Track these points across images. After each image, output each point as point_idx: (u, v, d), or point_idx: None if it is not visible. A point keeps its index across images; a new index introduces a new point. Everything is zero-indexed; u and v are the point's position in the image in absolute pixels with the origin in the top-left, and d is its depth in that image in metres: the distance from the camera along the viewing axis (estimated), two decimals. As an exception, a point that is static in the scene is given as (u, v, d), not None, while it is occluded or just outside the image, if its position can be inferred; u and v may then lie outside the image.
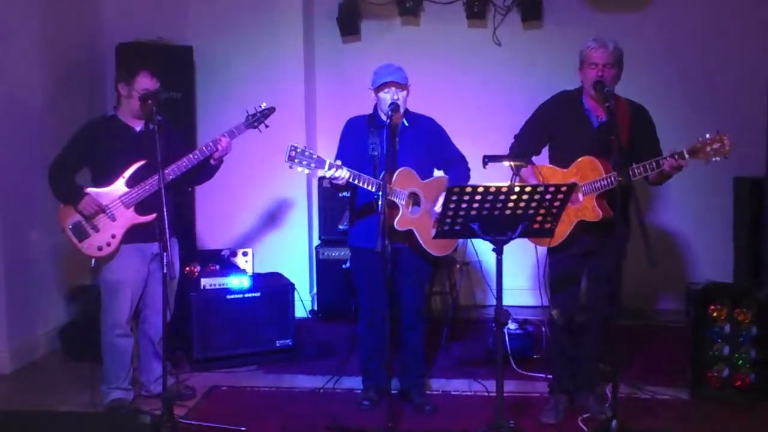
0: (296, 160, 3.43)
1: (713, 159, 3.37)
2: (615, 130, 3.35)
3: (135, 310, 3.96)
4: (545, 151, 3.86)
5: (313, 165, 3.46)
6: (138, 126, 3.85)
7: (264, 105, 3.93)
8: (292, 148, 3.43)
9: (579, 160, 3.60)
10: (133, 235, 3.79)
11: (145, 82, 3.75)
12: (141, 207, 3.77)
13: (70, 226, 3.73)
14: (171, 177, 3.73)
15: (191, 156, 3.78)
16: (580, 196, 3.58)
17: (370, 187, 3.58)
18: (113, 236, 3.75)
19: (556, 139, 3.76)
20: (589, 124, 3.66)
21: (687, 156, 3.37)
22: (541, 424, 3.67)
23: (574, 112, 3.69)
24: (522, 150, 3.78)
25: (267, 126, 3.93)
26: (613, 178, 3.43)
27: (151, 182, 3.73)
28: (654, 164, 3.43)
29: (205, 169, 3.96)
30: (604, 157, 3.53)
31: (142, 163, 3.74)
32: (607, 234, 3.52)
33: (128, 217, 3.77)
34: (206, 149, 3.82)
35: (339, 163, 3.52)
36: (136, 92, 3.74)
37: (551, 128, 3.75)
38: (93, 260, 3.80)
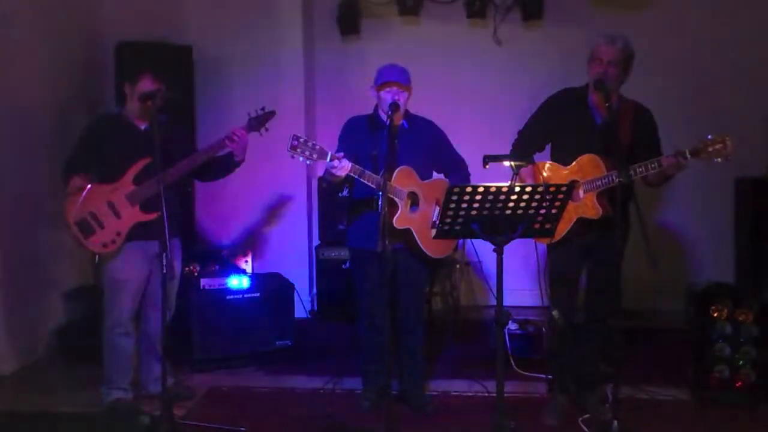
0: (298, 150, 3.42)
1: (715, 160, 3.36)
2: (614, 129, 3.35)
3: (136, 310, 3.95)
4: (548, 148, 3.85)
5: (315, 156, 3.44)
6: (143, 125, 3.87)
7: (265, 108, 3.92)
8: (295, 137, 3.42)
9: (581, 157, 3.60)
10: (137, 232, 3.79)
11: (146, 85, 3.75)
12: (146, 205, 3.76)
13: (76, 222, 3.72)
14: (174, 176, 3.73)
15: (194, 156, 3.80)
16: (581, 193, 3.58)
17: (370, 183, 3.57)
18: (118, 233, 3.75)
19: (559, 135, 3.75)
20: (593, 121, 3.67)
21: (689, 156, 3.36)
22: (542, 425, 3.67)
23: (579, 109, 3.69)
24: (526, 145, 3.79)
25: (267, 129, 3.92)
26: (614, 177, 3.44)
27: (158, 180, 3.72)
28: (656, 163, 3.42)
29: (222, 165, 3.97)
30: (607, 156, 3.54)
31: (148, 161, 3.74)
32: (606, 232, 3.52)
33: (133, 215, 3.76)
34: (210, 151, 3.83)
35: (341, 155, 3.51)
36: (137, 94, 3.75)
37: (555, 124, 3.74)
38: (96, 256, 3.80)
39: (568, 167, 3.64)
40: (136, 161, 3.75)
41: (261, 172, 5.63)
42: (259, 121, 3.89)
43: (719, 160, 3.35)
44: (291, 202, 5.79)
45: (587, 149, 3.59)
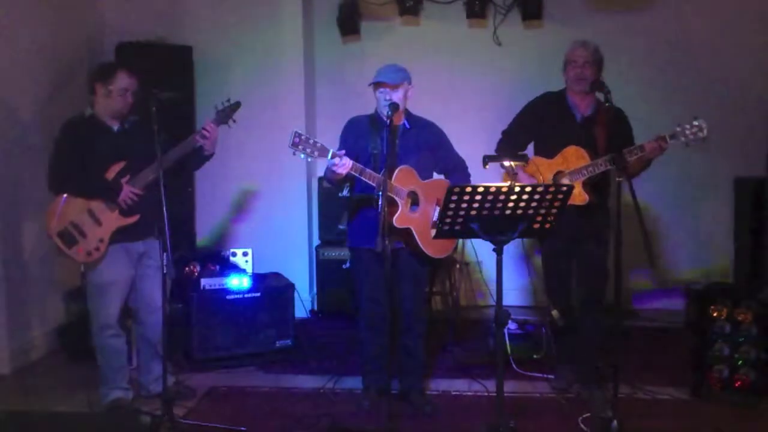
0: (300, 147, 3.41)
1: (692, 142, 3.66)
2: (597, 121, 3.70)
3: (126, 310, 3.94)
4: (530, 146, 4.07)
5: (316, 153, 3.44)
6: (115, 125, 3.83)
7: (231, 99, 3.88)
8: (296, 134, 3.42)
9: (565, 149, 3.82)
10: (119, 235, 3.77)
11: (123, 82, 3.74)
12: (125, 209, 3.75)
13: (58, 234, 3.70)
14: (152, 177, 3.68)
15: (167, 155, 3.71)
16: (566, 181, 3.72)
17: (371, 182, 3.57)
18: (101, 240, 3.74)
19: (542, 134, 3.98)
20: (573, 118, 3.92)
21: (669, 140, 3.65)
22: (541, 425, 3.68)
23: (559, 109, 3.95)
24: (510, 144, 3.99)
25: (235, 121, 3.88)
26: (599, 165, 3.70)
27: (134, 182, 3.72)
28: (638, 149, 3.68)
29: (193, 160, 3.93)
30: (588, 149, 3.78)
31: (122, 165, 3.72)
32: (591, 219, 3.79)
33: (114, 220, 3.75)
34: (182, 148, 3.79)
35: (343, 153, 3.51)
36: (115, 92, 3.73)
37: (537, 124, 3.98)
38: (82, 265, 3.79)
39: (552, 160, 3.84)
40: (110, 165, 3.71)
41: (261, 172, 5.64)
42: (226, 113, 3.84)
43: (696, 142, 3.66)
44: (291, 202, 5.79)
45: (569, 144, 3.81)
